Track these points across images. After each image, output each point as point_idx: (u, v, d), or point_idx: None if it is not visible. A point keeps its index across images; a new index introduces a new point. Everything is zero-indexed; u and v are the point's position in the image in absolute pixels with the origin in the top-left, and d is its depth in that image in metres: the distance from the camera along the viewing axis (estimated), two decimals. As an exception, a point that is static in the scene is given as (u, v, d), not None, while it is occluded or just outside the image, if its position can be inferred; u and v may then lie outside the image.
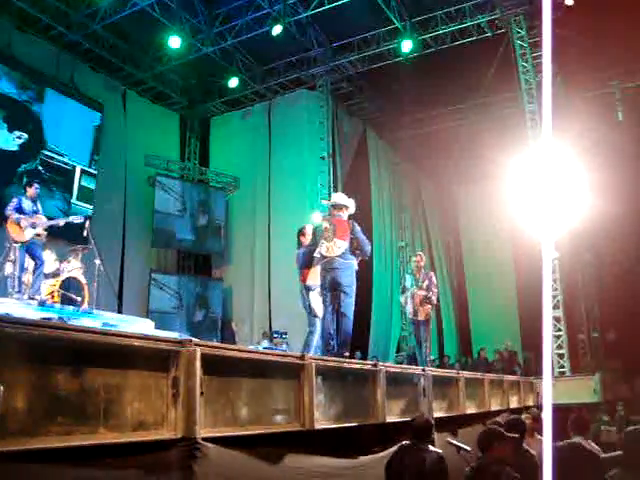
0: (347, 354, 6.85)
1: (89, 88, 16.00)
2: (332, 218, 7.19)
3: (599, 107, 17.07)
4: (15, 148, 14.01)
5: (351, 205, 7.34)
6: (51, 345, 2.37)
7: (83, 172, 15.31)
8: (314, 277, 7.43)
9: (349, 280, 6.96)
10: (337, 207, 7.26)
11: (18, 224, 8.85)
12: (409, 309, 9.54)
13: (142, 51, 16.83)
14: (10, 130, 13.88)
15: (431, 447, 4.86)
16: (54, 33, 15.08)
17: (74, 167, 15.15)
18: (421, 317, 9.43)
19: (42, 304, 8.68)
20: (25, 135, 14.14)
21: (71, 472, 2.36)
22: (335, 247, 6.94)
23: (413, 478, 4.62)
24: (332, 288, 6.95)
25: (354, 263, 7.07)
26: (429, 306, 9.47)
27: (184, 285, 18.08)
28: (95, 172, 15.58)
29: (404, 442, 4.91)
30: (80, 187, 15.26)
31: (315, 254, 7.11)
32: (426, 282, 9.45)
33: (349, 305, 6.96)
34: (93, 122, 15.65)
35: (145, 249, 17.56)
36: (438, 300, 10.59)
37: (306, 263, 7.64)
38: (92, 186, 15.58)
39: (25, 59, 14.34)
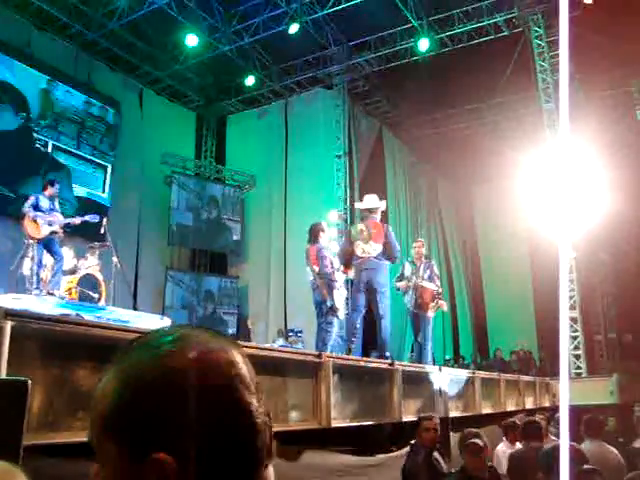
0: (388, 354, 6.91)
1: (106, 87, 16.11)
2: (367, 220, 7.24)
3: (618, 106, 16.92)
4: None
5: (383, 206, 7.41)
6: (73, 341, 2.41)
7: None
8: (339, 275, 7.47)
9: (384, 281, 7.02)
10: (372, 210, 7.31)
11: (35, 221, 8.93)
12: (409, 299, 8.69)
13: (159, 50, 16.86)
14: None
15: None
16: (72, 32, 15.19)
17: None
18: (431, 313, 8.71)
19: (60, 300, 8.76)
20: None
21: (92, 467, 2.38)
22: (371, 249, 7.00)
23: None
24: (367, 289, 6.99)
25: (387, 264, 7.12)
26: (443, 302, 8.88)
27: (200, 283, 18.12)
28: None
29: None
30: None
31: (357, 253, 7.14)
32: (427, 272, 8.73)
33: (387, 306, 7.01)
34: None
35: (160, 247, 17.61)
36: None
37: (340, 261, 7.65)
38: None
39: (44, 57, 14.44)
